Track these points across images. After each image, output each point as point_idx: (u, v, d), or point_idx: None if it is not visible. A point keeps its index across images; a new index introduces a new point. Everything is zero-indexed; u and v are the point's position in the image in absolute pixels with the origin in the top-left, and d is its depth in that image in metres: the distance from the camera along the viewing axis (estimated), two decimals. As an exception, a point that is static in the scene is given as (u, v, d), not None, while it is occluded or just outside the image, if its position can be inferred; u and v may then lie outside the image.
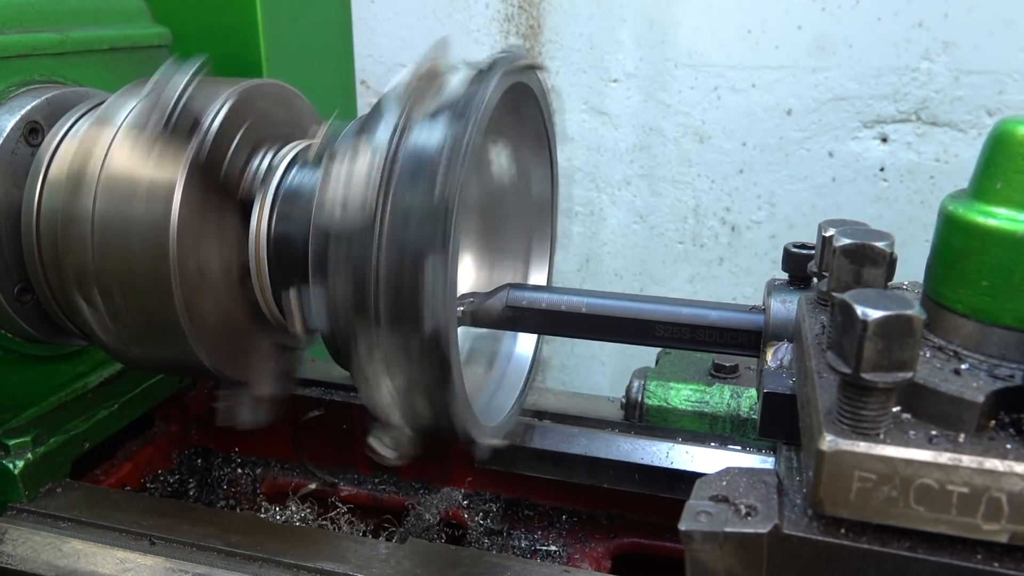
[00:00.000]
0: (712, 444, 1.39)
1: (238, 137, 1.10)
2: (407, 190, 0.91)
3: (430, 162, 0.90)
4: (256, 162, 1.13)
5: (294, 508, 1.50)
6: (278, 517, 1.48)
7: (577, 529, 1.52)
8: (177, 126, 1.03)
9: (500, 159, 1.33)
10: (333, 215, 0.93)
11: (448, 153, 0.90)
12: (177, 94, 1.02)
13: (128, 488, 1.58)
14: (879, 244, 0.80)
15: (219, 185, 1.08)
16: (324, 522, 1.52)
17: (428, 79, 0.97)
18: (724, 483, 0.77)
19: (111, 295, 1.07)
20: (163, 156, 1.05)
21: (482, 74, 0.98)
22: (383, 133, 0.95)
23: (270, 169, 1.12)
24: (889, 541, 0.68)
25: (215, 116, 1.06)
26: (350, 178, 0.94)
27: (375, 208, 0.91)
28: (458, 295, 0.99)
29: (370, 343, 0.93)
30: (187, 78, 1.03)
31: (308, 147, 1.17)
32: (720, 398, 1.40)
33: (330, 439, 1.64)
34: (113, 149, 1.07)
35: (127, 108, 1.10)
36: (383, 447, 0.99)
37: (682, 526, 0.72)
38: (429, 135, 0.93)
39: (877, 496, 0.66)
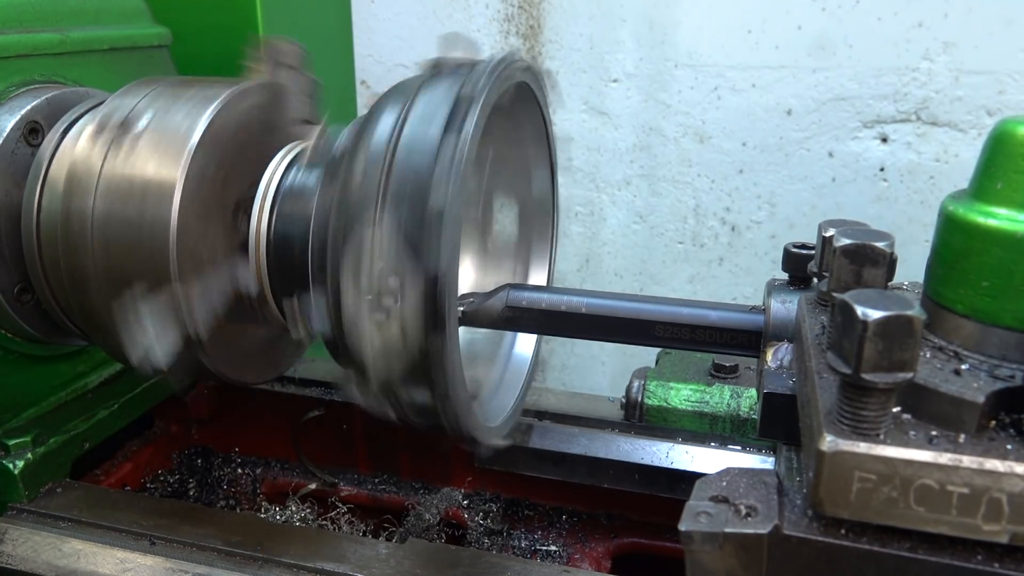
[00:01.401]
0: (712, 444, 1.39)
1: (238, 137, 1.10)
2: (433, 97, 0.92)
3: (455, 81, 0.92)
4: (256, 163, 1.13)
5: (294, 508, 1.50)
6: (278, 517, 1.48)
7: (577, 529, 1.52)
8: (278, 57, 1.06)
9: (504, 216, 1.34)
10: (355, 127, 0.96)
11: (476, 75, 0.92)
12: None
13: (128, 488, 1.58)
14: (879, 244, 0.80)
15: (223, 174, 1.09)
16: (324, 522, 1.52)
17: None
18: (724, 483, 0.77)
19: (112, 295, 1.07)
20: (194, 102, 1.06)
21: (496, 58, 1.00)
22: (392, 112, 0.96)
23: (269, 170, 1.12)
24: (889, 542, 0.68)
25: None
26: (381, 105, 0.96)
27: (396, 120, 0.92)
28: (458, 295, 0.98)
29: (372, 221, 0.90)
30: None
31: (306, 147, 1.17)
32: (720, 398, 1.40)
33: (330, 439, 1.64)
34: (113, 149, 1.07)
35: (127, 108, 1.10)
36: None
37: (682, 527, 0.72)
38: (452, 78, 0.95)
39: (877, 497, 0.66)
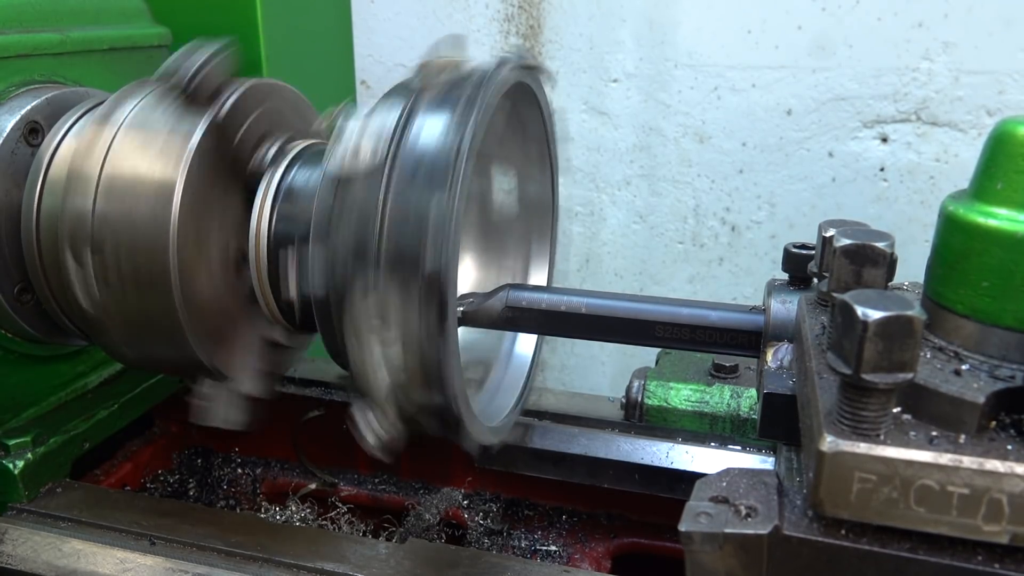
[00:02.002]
0: (712, 444, 1.39)
1: (252, 117, 1.11)
2: (419, 139, 0.91)
3: (445, 116, 0.91)
4: (263, 149, 1.14)
5: (294, 508, 1.50)
6: (278, 517, 1.48)
7: (577, 529, 1.52)
8: (199, 90, 1.03)
9: (504, 216, 1.34)
10: (344, 161, 0.94)
11: (463, 106, 0.91)
12: (202, 61, 1.03)
13: (128, 488, 1.58)
14: (879, 244, 0.80)
15: (229, 156, 1.08)
16: (324, 522, 1.52)
17: (443, 68, 0.98)
18: (724, 484, 0.77)
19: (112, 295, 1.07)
20: (182, 117, 1.05)
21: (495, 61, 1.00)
22: (396, 104, 0.96)
23: (275, 160, 1.13)
24: (889, 542, 0.68)
25: (235, 90, 1.08)
26: (363, 130, 0.95)
27: (386, 154, 0.91)
28: (458, 295, 0.99)
29: (367, 285, 0.91)
30: (214, 51, 1.04)
31: (311, 145, 1.18)
32: (720, 398, 1.40)
33: (330, 439, 1.64)
34: (113, 148, 1.07)
35: (127, 108, 1.10)
36: (366, 427, 0.96)
37: (682, 527, 0.72)
38: (444, 99, 0.94)
39: (877, 497, 0.66)
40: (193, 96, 1.04)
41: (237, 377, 1.15)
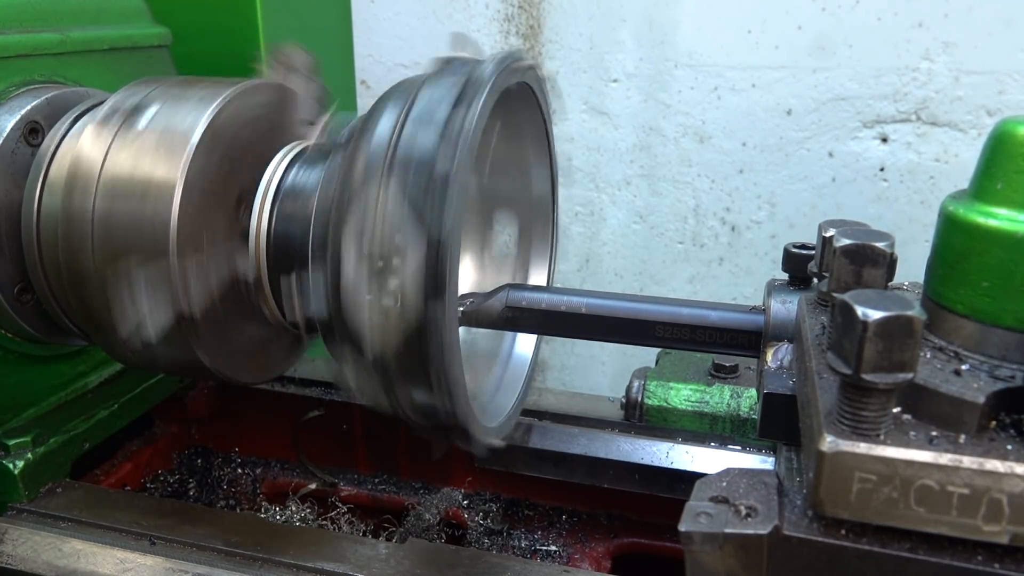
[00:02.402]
0: (712, 444, 1.39)
1: (254, 117, 1.12)
2: (442, 80, 0.92)
3: (438, 121, 0.91)
4: (265, 147, 1.14)
5: (294, 508, 1.50)
6: (278, 517, 1.48)
7: (577, 529, 1.52)
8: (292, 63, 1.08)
9: (504, 217, 1.34)
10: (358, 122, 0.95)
11: (465, 99, 0.92)
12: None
13: (128, 488, 1.58)
14: (879, 244, 0.80)
15: (231, 155, 1.09)
16: (324, 522, 1.52)
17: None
18: (724, 484, 0.77)
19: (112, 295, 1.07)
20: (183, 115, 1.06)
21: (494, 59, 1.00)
22: (398, 101, 0.96)
23: (276, 159, 1.13)
24: (889, 542, 0.68)
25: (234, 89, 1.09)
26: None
27: (381, 169, 0.91)
28: (458, 295, 0.98)
29: (377, 188, 0.89)
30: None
31: (308, 146, 1.18)
32: (720, 398, 1.40)
33: (330, 439, 1.64)
34: (113, 148, 1.07)
35: (127, 108, 1.10)
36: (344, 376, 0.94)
37: (682, 527, 0.72)
38: (444, 93, 0.94)
39: (877, 497, 0.66)
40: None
41: (234, 371, 1.14)
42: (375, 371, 0.94)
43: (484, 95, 0.91)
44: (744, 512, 0.72)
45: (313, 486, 1.64)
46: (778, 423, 0.87)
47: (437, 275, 0.87)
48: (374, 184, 0.90)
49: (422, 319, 0.88)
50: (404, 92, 0.97)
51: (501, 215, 1.38)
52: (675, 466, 1.37)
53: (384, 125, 0.94)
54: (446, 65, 0.99)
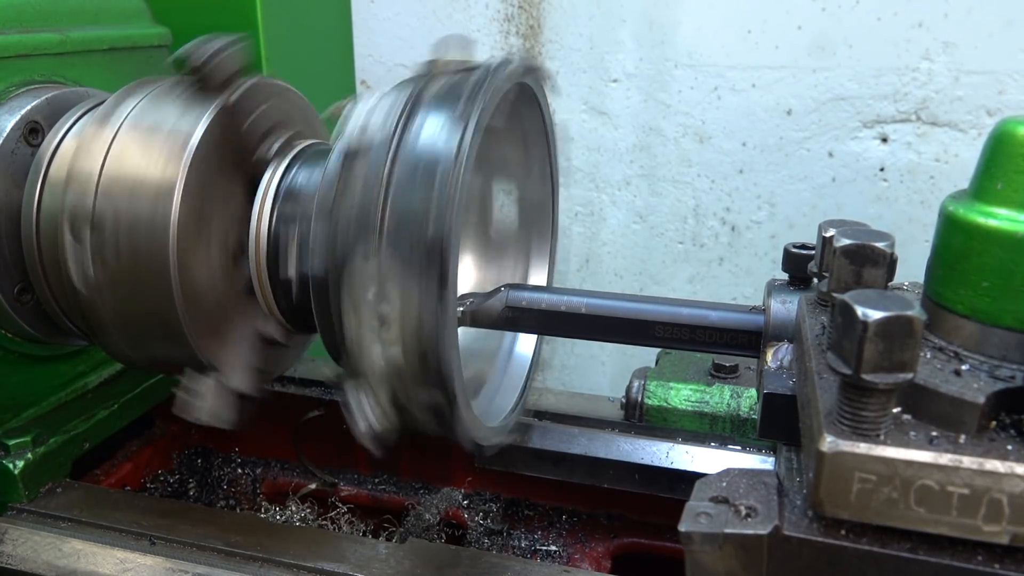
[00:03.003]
0: (712, 444, 1.39)
1: (261, 109, 1.12)
2: (429, 112, 0.92)
3: (453, 96, 0.92)
4: (269, 142, 1.14)
5: (294, 508, 1.50)
6: (278, 517, 1.48)
7: (577, 529, 1.52)
8: (213, 74, 1.04)
9: (503, 202, 1.34)
10: (352, 135, 0.94)
11: (469, 93, 0.92)
12: (218, 47, 1.04)
13: (128, 488, 1.58)
14: (879, 244, 0.80)
15: (236, 144, 1.08)
16: (324, 522, 1.52)
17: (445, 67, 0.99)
18: (724, 484, 0.77)
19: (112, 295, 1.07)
20: (190, 105, 1.06)
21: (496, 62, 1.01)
22: (404, 88, 0.97)
23: (279, 154, 1.13)
24: (889, 542, 0.68)
25: (247, 79, 1.10)
26: (373, 108, 0.95)
27: (392, 131, 0.92)
28: (458, 295, 0.98)
29: (367, 253, 0.90)
30: (229, 40, 1.05)
31: (313, 144, 1.18)
32: (720, 398, 1.40)
33: (330, 439, 1.64)
34: (113, 148, 1.07)
35: (127, 107, 1.10)
36: (359, 411, 0.95)
37: (682, 527, 0.72)
38: (449, 90, 0.94)
39: (877, 497, 0.66)
40: (206, 81, 1.04)
41: (227, 372, 1.14)
42: (376, 382, 0.96)
43: (469, 135, 0.91)
44: (744, 512, 0.72)
45: (313, 486, 1.64)
46: (778, 423, 0.87)
47: (439, 378, 0.90)
48: (366, 244, 0.91)
49: (423, 331, 0.91)
50: (400, 98, 0.97)
51: (501, 215, 1.38)
52: (675, 466, 1.37)
53: (379, 140, 0.94)
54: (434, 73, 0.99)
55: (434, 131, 0.92)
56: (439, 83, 0.96)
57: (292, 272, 1.10)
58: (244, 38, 1.07)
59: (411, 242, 0.88)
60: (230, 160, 1.09)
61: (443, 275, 0.87)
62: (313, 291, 0.99)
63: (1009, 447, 0.66)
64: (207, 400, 1.08)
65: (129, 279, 1.05)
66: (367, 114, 0.96)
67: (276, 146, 1.14)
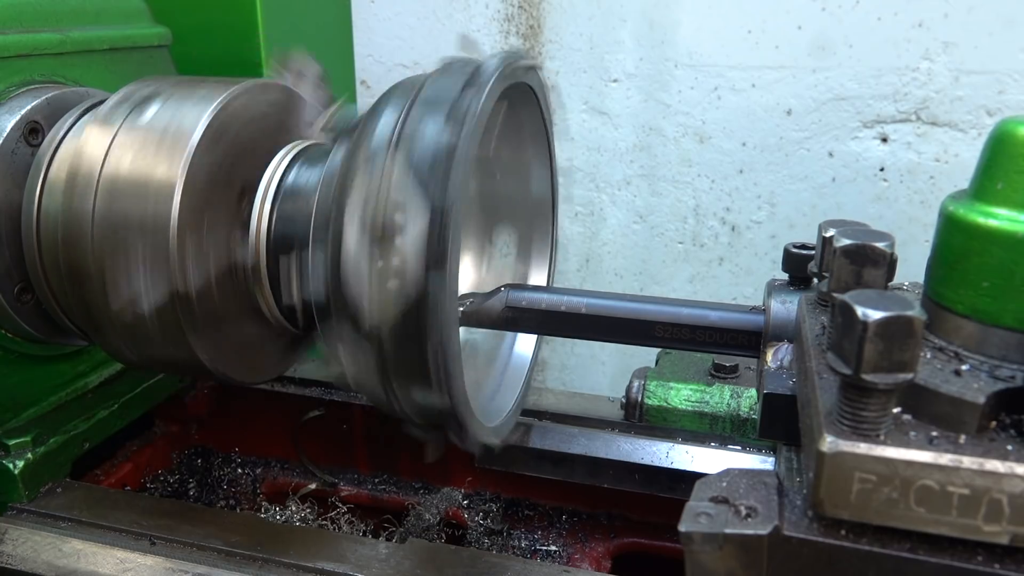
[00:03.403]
0: (712, 444, 1.39)
1: (256, 115, 1.12)
2: (423, 119, 0.92)
3: (443, 114, 0.92)
4: (266, 147, 1.14)
5: (294, 508, 1.50)
6: (278, 517, 1.48)
7: (577, 529, 1.52)
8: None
9: (504, 217, 1.35)
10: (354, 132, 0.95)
11: (463, 104, 0.92)
12: None
13: (128, 488, 1.58)
14: (879, 245, 0.80)
15: (232, 153, 1.09)
16: (324, 522, 1.52)
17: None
18: (724, 484, 0.77)
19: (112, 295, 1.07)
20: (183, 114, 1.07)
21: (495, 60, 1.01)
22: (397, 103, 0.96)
23: (277, 158, 1.13)
24: (889, 542, 0.68)
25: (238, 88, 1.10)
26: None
27: (386, 149, 0.92)
28: (458, 295, 0.98)
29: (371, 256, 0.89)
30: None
31: (308, 146, 1.18)
32: (720, 398, 1.40)
33: (330, 439, 1.64)
34: (113, 148, 1.07)
35: (127, 107, 1.10)
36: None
37: (682, 527, 0.72)
38: (442, 97, 0.94)
39: (877, 497, 0.66)
40: None
41: (228, 371, 1.13)
42: (371, 347, 0.93)
43: (492, 81, 0.92)
44: (744, 512, 0.72)
45: (313, 486, 1.64)
46: (778, 423, 0.87)
47: (439, 245, 0.87)
48: (380, 156, 0.90)
49: (422, 290, 0.88)
50: (408, 87, 0.97)
51: (502, 216, 1.38)
52: (675, 466, 1.37)
53: (389, 114, 0.94)
54: (450, 63, 0.99)
55: (451, 83, 0.93)
56: (429, 94, 0.97)
57: (295, 297, 1.09)
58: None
59: (423, 150, 0.88)
60: (227, 167, 1.09)
61: (452, 184, 0.87)
62: (313, 227, 0.99)
63: (1009, 447, 0.66)
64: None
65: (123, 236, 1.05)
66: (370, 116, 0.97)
67: (273, 150, 1.15)
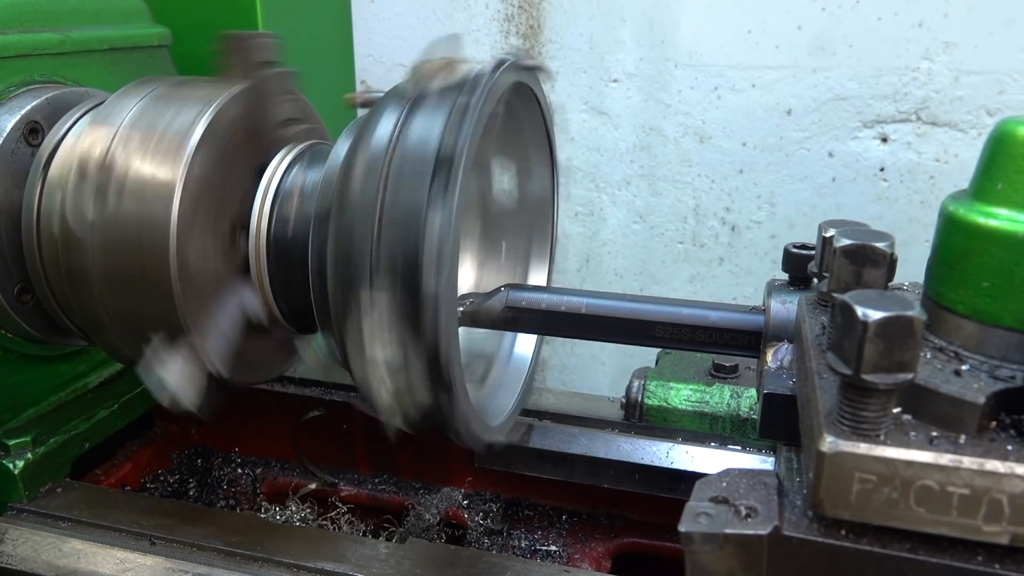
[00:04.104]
0: (712, 444, 1.39)
1: (287, 96, 1.14)
2: (415, 147, 0.91)
3: (441, 121, 0.92)
4: (286, 128, 1.15)
5: (294, 508, 1.50)
6: (278, 517, 1.48)
7: (577, 529, 1.52)
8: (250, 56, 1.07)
9: (503, 180, 1.34)
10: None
11: (460, 111, 0.91)
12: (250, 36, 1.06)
13: (128, 488, 1.58)
14: (879, 245, 0.80)
15: (258, 121, 1.10)
16: (324, 522, 1.52)
17: (438, 69, 0.98)
18: (724, 484, 0.77)
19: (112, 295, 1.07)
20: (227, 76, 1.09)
21: (492, 64, 1.00)
22: (393, 109, 0.96)
23: (271, 167, 1.13)
24: (889, 543, 0.68)
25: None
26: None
27: (383, 159, 0.92)
28: (458, 295, 0.98)
29: (365, 295, 0.91)
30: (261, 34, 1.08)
31: (309, 146, 1.18)
32: (720, 398, 1.40)
33: (330, 439, 1.64)
34: (114, 148, 1.07)
35: (127, 107, 1.10)
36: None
37: (682, 528, 0.72)
38: (441, 103, 0.94)
39: (878, 497, 0.66)
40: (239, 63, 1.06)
41: (205, 344, 1.10)
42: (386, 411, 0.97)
43: (458, 184, 0.90)
44: (744, 512, 0.72)
45: (313, 486, 1.64)
46: (778, 423, 0.87)
47: (441, 378, 0.90)
48: (362, 296, 0.91)
49: (432, 409, 0.93)
50: (398, 103, 0.97)
51: (502, 216, 1.38)
52: (675, 466, 1.37)
53: (380, 136, 0.93)
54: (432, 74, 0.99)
55: (424, 167, 0.92)
56: (427, 101, 0.96)
57: (290, 249, 1.10)
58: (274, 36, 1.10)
59: (408, 290, 0.89)
60: (232, 158, 1.09)
61: (442, 326, 0.89)
62: (317, 315, 1.00)
63: (1009, 447, 0.66)
64: (172, 373, 1.03)
65: (130, 279, 1.05)
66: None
67: (292, 132, 1.15)
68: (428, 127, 0.92)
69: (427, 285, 0.87)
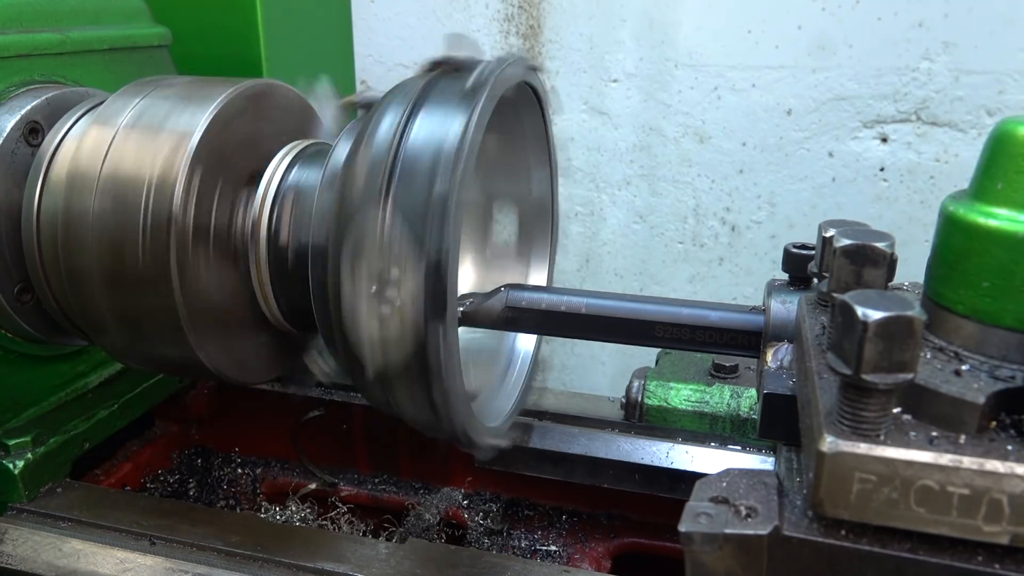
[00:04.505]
0: (712, 444, 1.39)
1: (259, 113, 1.13)
2: (422, 136, 0.91)
3: (448, 110, 0.92)
4: (268, 145, 1.14)
5: (294, 508, 1.50)
6: (278, 517, 1.48)
7: (577, 529, 1.52)
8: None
9: (504, 217, 1.34)
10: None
11: (467, 101, 0.92)
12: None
13: (128, 488, 1.58)
14: (879, 245, 0.80)
15: (234, 150, 1.09)
16: (324, 522, 1.52)
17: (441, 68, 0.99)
18: (724, 484, 0.77)
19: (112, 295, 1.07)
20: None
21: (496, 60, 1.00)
22: (396, 110, 0.96)
23: (271, 166, 1.13)
24: (890, 543, 0.68)
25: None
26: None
27: (389, 149, 0.92)
28: (458, 295, 0.98)
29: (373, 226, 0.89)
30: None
31: (309, 145, 1.18)
32: (720, 398, 1.40)
33: (330, 439, 1.64)
34: (114, 148, 1.07)
35: (127, 107, 1.10)
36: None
37: (682, 527, 0.72)
38: (446, 95, 0.94)
39: (878, 497, 0.66)
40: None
41: (226, 370, 1.14)
42: (377, 386, 0.95)
43: (480, 106, 0.91)
44: (744, 512, 0.72)
45: (313, 486, 1.64)
46: (778, 423, 0.87)
47: (436, 296, 0.87)
48: (372, 205, 0.90)
49: (422, 341, 0.89)
50: (403, 98, 0.97)
51: (501, 214, 1.38)
52: (675, 466, 1.37)
53: (383, 134, 0.93)
54: (440, 70, 0.99)
55: (441, 103, 0.93)
56: (433, 94, 0.96)
57: (287, 239, 1.10)
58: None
59: (416, 199, 0.87)
60: (232, 158, 1.09)
61: (447, 233, 0.86)
62: (311, 259, 0.99)
63: (1009, 447, 0.66)
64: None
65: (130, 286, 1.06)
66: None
67: (275, 149, 1.15)
68: (453, 86, 0.93)
69: (440, 184, 0.86)
